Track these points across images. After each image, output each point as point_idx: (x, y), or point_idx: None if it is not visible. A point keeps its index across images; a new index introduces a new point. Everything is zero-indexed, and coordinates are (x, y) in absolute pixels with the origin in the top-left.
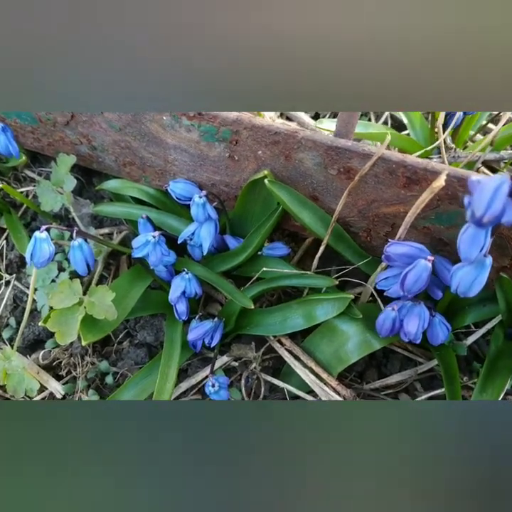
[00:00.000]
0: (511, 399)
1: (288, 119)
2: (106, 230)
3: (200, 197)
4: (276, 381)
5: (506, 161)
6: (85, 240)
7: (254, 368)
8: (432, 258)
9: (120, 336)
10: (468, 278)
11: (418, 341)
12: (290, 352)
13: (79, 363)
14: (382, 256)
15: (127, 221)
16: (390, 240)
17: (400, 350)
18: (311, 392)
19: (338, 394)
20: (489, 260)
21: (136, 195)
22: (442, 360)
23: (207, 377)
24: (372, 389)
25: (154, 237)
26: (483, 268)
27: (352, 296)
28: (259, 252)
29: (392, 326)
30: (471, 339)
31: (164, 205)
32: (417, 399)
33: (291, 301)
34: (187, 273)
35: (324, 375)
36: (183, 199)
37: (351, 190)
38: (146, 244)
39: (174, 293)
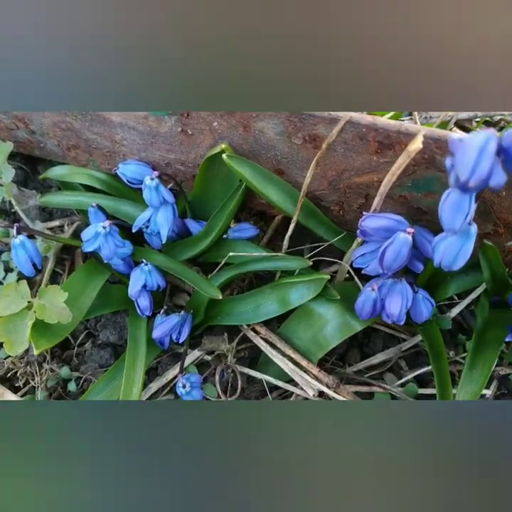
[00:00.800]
0: (498, 370)
1: None
2: (56, 223)
3: (152, 179)
4: (253, 372)
5: (479, 119)
6: (30, 237)
7: (229, 360)
8: (411, 230)
9: (80, 338)
10: (453, 250)
11: (402, 322)
12: (266, 340)
13: (36, 372)
14: (357, 231)
15: (78, 211)
16: (364, 212)
17: (381, 327)
18: (290, 381)
19: (320, 381)
20: (474, 228)
21: (85, 182)
22: (426, 335)
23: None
24: (355, 372)
25: (104, 227)
26: (468, 238)
27: (328, 277)
28: (225, 235)
29: (372, 308)
30: (454, 311)
31: (117, 190)
32: (404, 378)
33: (263, 285)
34: (146, 264)
35: (304, 363)
36: (136, 182)
37: (319, 160)
38: (97, 236)
39: (134, 287)
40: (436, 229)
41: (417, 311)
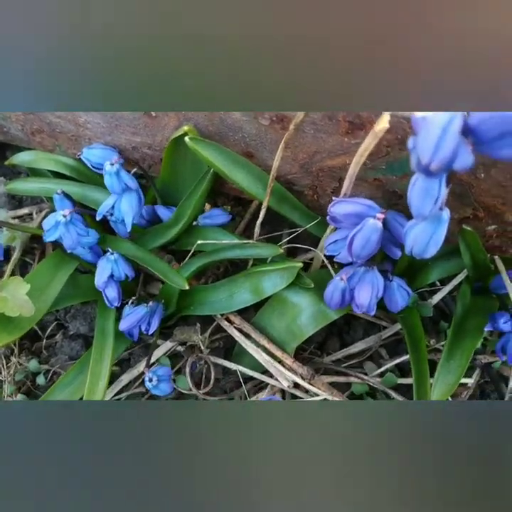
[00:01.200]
0: (480, 358)
1: None
2: (25, 211)
3: (112, 164)
4: (227, 363)
5: None
6: None
7: (201, 351)
8: (381, 216)
9: (49, 329)
10: (424, 237)
11: (372, 313)
12: (240, 330)
13: (4, 365)
14: (327, 217)
15: (47, 198)
16: (333, 197)
17: (362, 315)
18: (266, 372)
19: (295, 372)
20: (446, 214)
21: (52, 168)
22: (405, 323)
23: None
24: (333, 361)
25: (65, 216)
26: (439, 224)
27: (300, 265)
28: (194, 222)
29: (341, 299)
30: (436, 298)
31: (86, 176)
32: (383, 367)
33: (237, 274)
34: (112, 253)
35: (278, 353)
36: (101, 168)
37: (287, 141)
38: (57, 225)
39: (100, 278)
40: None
41: (392, 300)
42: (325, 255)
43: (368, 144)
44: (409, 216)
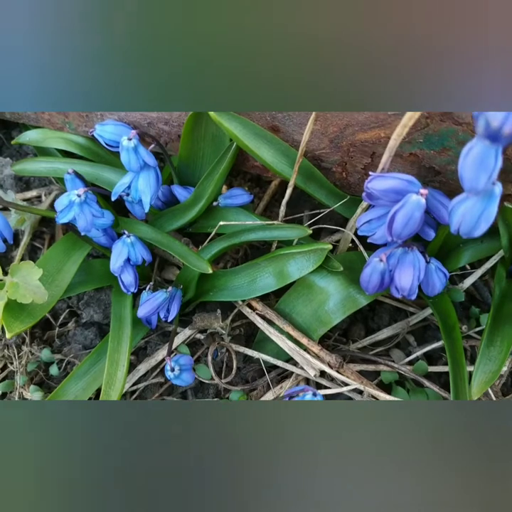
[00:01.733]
0: None
1: None
2: (33, 193)
3: (130, 139)
4: (249, 351)
5: None
6: (2, 209)
7: (223, 339)
8: (425, 192)
9: (62, 317)
10: (473, 213)
11: (414, 297)
12: (263, 317)
13: (15, 355)
14: (363, 194)
15: (56, 180)
16: (370, 173)
17: (387, 300)
18: (290, 360)
19: (322, 361)
20: (499, 188)
21: (62, 147)
22: (438, 309)
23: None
24: (359, 348)
25: (79, 195)
26: (491, 199)
27: (330, 246)
28: (215, 203)
29: (380, 282)
30: (468, 282)
31: (97, 155)
32: (413, 355)
33: (259, 257)
34: (128, 236)
35: (304, 341)
36: (116, 145)
37: (318, 114)
38: (71, 205)
39: (116, 262)
40: (450, 191)
41: (430, 283)
42: (357, 235)
43: (413, 113)
44: (446, 194)
